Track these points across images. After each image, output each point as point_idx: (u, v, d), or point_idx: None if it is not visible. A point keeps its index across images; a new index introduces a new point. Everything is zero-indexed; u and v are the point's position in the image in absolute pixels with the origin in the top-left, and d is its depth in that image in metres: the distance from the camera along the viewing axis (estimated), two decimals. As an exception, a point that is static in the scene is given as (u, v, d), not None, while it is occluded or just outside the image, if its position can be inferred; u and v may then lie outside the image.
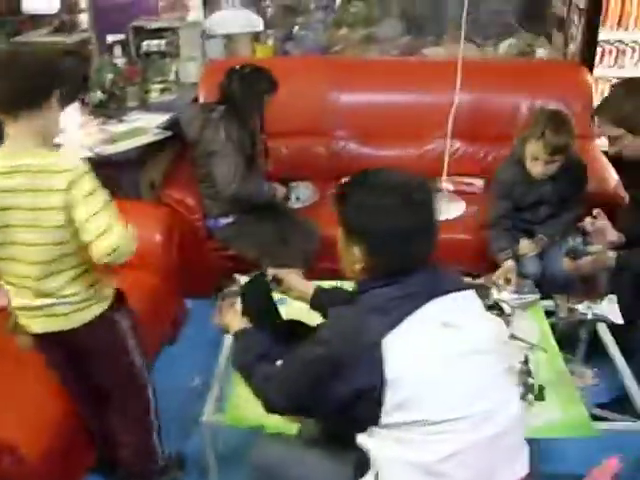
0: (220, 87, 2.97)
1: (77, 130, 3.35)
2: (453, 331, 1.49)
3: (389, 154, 3.50)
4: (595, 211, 2.53)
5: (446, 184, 3.23)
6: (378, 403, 1.41)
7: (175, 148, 3.36)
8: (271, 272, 2.08)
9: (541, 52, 3.75)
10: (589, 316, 2.52)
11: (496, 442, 1.49)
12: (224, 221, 3.02)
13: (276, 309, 2.00)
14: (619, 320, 2.49)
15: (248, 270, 2.97)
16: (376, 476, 1.48)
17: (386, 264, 1.50)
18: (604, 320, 2.51)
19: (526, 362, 2.19)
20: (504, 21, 3.79)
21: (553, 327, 2.49)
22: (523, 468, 1.57)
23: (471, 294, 1.61)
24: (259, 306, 1.93)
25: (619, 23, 3.54)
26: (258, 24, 3.65)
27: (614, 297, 2.52)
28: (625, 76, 3.73)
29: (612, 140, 2.36)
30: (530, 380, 2.13)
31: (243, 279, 2.03)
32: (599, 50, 3.58)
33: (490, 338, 1.58)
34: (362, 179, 1.55)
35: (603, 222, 2.51)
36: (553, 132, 2.56)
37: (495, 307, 2.48)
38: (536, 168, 2.65)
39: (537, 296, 2.59)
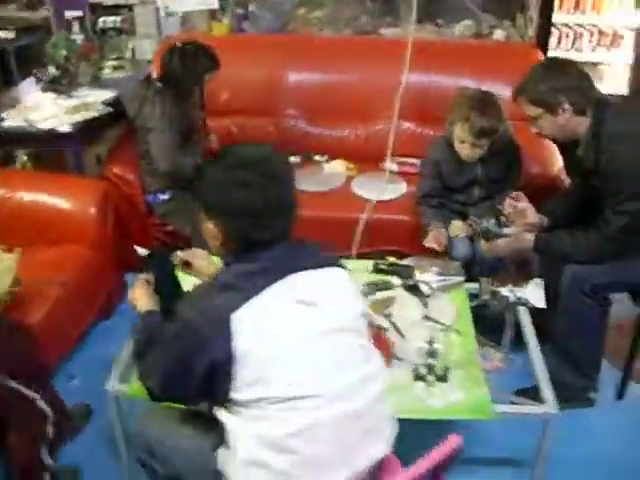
0: (161, 63, 2.98)
1: (30, 105, 3.37)
2: (311, 309, 1.48)
3: (338, 134, 3.49)
4: (514, 193, 2.51)
5: (390, 165, 3.21)
6: (229, 379, 1.41)
7: (124, 124, 3.37)
8: (180, 255, 2.06)
9: (499, 34, 3.71)
10: (511, 299, 2.51)
11: (352, 420, 1.49)
12: (162, 197, 3.03)
13: (179, 288, 1.98)
14: (541, 304, 2.48)
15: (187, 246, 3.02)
16: (230, 449, 1.50)
17: (240, 239, 1.50)
18: (525, 304, 2.50)
19: (431, 343, 2.19)
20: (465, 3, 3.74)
21: (477, 309, 2.50)
22: (384, 447, 1.57)
23: (338, 271, 1.60)
24: (160, 283, 1.92)
25: (576, 6, 3.48)
26: (213, 2, 3.64)
27: (540, 281, 2.52)
28: (582, 59, 3.71)
29: (532, 120, 2.34)
30: (431, 361, 2.13)
31: (143, 252, 2.02)
32: (556, 33, 3.53)
33: (353, 317, 1.57)
34: (220, 155, 1.55)
35: (523, 204, 2.50)
36: (479, 115, 2.54)
37: (414, 288, 2.48)
38: (464, 151, 2.64)
39: (461, 278, 2.58)
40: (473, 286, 2.57)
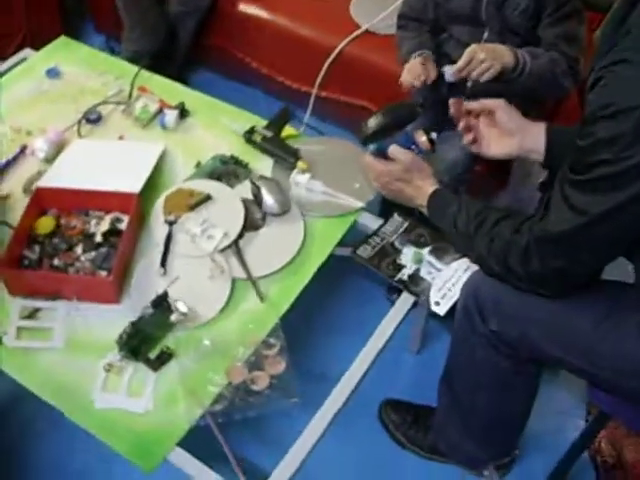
0: None
1: None
2: None
3: None
4: None
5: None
6: None
7: None
8: None
9: None
10: (403, 274, 1.42)
11: None
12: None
13: None
14: (440, 309, 1.35)
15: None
16: None
17: None
18: (417, 294, 1.39)
19: (163, 297, 1.28)
20: None
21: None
22: None
23: None
24: None
25: None
26: None
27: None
28: None
29: None
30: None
31: None
32: None
33: None
34: None
35: None
36: None
37: (256, 197, 1.48)
38: None
39: (357, 204, 1.51)
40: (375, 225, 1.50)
